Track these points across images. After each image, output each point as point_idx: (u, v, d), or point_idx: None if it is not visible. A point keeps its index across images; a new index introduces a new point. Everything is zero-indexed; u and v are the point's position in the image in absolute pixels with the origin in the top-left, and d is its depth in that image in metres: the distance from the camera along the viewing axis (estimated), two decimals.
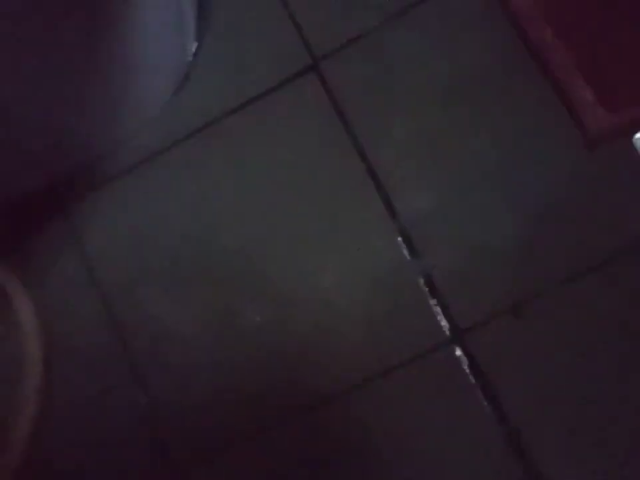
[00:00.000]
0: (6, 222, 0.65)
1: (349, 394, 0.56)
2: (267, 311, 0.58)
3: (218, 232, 0.61)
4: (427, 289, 0.55)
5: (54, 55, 0.50)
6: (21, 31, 0.43)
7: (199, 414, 0.59)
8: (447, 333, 0.54)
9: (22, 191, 0.63)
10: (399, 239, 0.56)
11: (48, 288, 0.64)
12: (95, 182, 0.65)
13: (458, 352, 0.53)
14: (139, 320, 0.62)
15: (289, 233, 0.60)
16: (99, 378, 0.62)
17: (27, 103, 0.54)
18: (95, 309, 0.63)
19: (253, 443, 0.58)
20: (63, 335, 0.64)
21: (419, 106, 0.59)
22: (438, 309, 0.54)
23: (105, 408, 0.61)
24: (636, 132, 0.54)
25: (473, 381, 0.53)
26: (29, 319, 0.59)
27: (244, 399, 0.58)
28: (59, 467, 0.61)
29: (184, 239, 0.62)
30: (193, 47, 0.64)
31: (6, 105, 0.52)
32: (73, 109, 0.59)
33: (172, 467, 0.59)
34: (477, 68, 0.57)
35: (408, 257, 0.56)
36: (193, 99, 0.64)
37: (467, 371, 0.53)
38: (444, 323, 0.54)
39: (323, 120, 0.60)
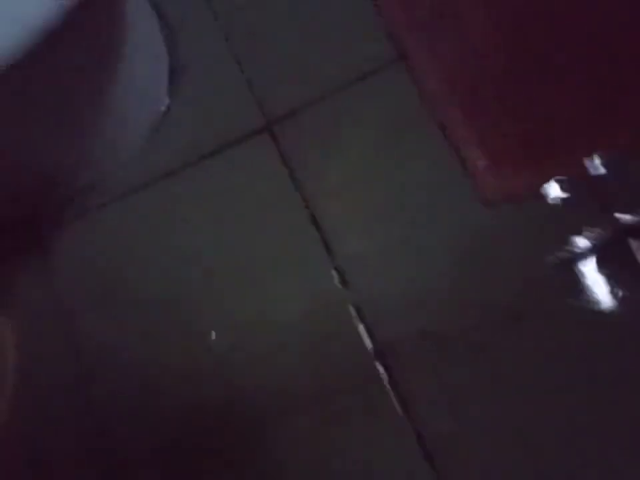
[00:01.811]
0: None
1: (279, 417, 0.65)
2: (226, 334, 0.67)
3: (179, 268, 0.70)
4: (353, 312, 0.66)
5: (51, 110, 0.60)
6: (29, 98, 0.51)
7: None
8: (370, 350, 0.65)
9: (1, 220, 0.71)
10: (334, 273, 0.67)
11: (18, 312, 0.71)
12: (68, 217, 0.72)
13: (379, 367, 0.64)
14: (96, 349, 0.69)
15: (243, 269, 0.69)
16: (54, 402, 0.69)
17: (19, 146, 0.62)
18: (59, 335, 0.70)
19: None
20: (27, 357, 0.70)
21: (355, 168, 0.70)
22: (363, 330, 0.65)
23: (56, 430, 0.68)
24: (520, 198, 0.69)
25: (389, 387, 0.64)
26: (7, 336, 0.67)
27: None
28: None
29: (147, 274, 0.70)
30: (165, 103, 0.74)
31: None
32: (59, 151, 0.67)
33: None
34: (396, 138, 0.70)
35: (340, 288, 0.67)
36: (162, 148, 0.73)
37: (384, 378, 0.64)
38: (367, 341, 0.65)
39: (274, 174, 0.70)
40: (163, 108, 0.74)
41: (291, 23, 0.76)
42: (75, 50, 0.54)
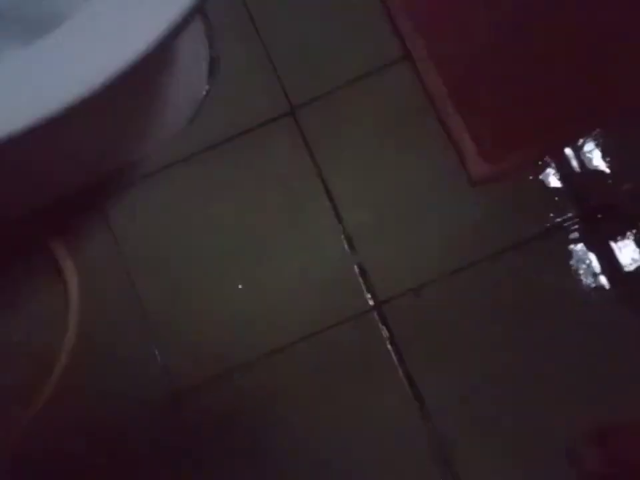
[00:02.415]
0: (53, 210, 0.83)
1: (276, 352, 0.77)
2: (249, 280, 0.80)
3: (196, 241, 0.82)
4: (357, 271, 0.78)
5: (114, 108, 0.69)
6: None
7: None
8: (370, 303, 0.78)
9: (71, 188, 0.83)
10: (342, 237, 0.79)
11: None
12: (123, 185, 0.84)
13: (375, 317, 0.77)
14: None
15: (263, 235, 0.81)
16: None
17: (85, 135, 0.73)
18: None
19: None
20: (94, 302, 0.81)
21: (366, 151, 0.81)
22: (364, 286, 0.78)
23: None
24: (507, 178, 0.80)
25: (385, 336, 0.77)
26: (73, 280, 0.81)
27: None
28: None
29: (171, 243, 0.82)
30: (205, 89, 0.85)
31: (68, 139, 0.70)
32: (118, 137, 0.79)
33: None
34: (406, 127, 0.81)
35: (348, 251, 0.79)
36: (201, 129, 0.84)
37: (381, 328, 0.77)
38: (367, 295, 0.78)
39: (295, 153, 0.81)
40: (202, 94, 0.85)
41: (312, 19, 0.86)
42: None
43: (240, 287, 0.80)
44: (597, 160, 0.79)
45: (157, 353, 0.80)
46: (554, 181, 0.79)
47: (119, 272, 0.82)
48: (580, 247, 0.77)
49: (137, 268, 0.82)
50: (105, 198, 0.83)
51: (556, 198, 0.78)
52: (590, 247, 0.77)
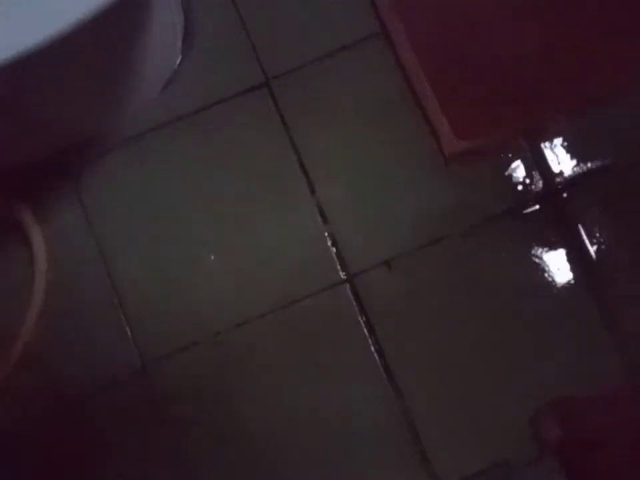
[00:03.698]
0: (21, 176, 0.82)
1: (249, 322, 0.78)
2: (220, 252, 0.80)
3: (168, 212, 0.81)
4: (330, 244, 0.79)
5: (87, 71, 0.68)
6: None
7: None
8: (342, 275, 0.79)
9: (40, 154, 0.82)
10: (315, 210, 0.79)
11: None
12: (95, 154, 0.82)
13: (347, 290, 0.78)
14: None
15: (236, 207, 0.80)
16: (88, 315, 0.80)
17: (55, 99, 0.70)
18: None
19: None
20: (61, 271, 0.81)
21: (341, 126, 0.81)
22: (336, 258, 0.78)
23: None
24: (481, 158, 0.81)
25: (356, 308, 0.78)
26: (40, 249, 0.80)
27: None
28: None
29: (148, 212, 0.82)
30: (178, 59, 0.84)
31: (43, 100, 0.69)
32: (90, 104, 0.77)
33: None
34: (381, 104, 0.81)
35: (321, 223, 0.80)
36: (174, 98, 0.83)
37: (353, 301, 0.78)
38: (339, 268, 0.78)
39: (270, 125, 0.81)
40: (176, 62, 0.84)
41: None
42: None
43: (212, 257, 0.80)
44: (566, 143, 0.80)
45: (125, 323, 0.80)
46: (525, 162, 0.80)
47: (88, 242, 0.81)
48: (547, 226, 0.79)
49: (107, 238, 0.81)
50: (76, 167, 0.82)
51: (526, 178, 0.80)
52: (557, 227, 0.79)
